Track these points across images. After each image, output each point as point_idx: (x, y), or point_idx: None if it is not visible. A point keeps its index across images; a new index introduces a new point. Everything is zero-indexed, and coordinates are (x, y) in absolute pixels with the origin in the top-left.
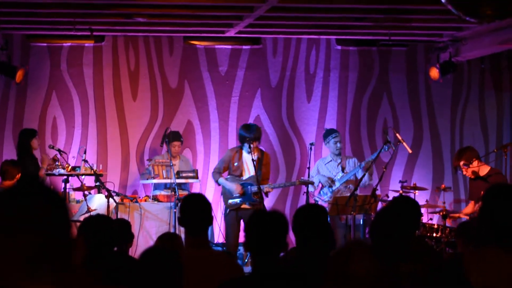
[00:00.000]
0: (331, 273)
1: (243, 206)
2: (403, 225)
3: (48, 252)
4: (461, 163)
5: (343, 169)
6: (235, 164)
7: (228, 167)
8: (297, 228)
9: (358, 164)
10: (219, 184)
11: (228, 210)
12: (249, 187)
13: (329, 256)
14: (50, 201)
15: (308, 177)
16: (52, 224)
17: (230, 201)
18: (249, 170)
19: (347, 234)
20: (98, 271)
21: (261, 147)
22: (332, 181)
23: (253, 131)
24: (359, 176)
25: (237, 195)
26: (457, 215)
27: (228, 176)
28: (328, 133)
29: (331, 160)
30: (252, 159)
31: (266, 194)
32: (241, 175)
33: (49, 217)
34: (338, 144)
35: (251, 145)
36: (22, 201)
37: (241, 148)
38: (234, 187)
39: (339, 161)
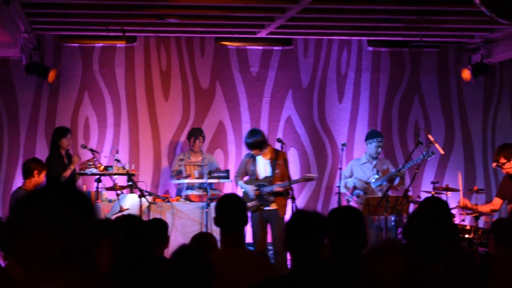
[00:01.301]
0: (363, 273)
1: (265, 207)
2: (435, 225)
3: (73, 254)
4: (500, 160)
5: (378, 172)
6: (251, 168)
7: (245, 172)
8: (332, 229)
9: (393, 168)
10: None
11: (251, 213)
12: (262, 188)
13: (361, 255)
14: (75, 202)
15: (340, 177)
16: (77, 226)
17: (248, 203)
18: (266, 171)
19: (379, 235)
20: (125, 275)
21: (276, 147)
22: (367, 184)
23: (247, 139)
24: (396, 180)
25: (253, 197)
26: (475, 207)
27: (247, 179)
28: (373, 135)
29: (366, 162)
30: (273, 159)
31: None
32: (257, 178)
33: (75, 218)
34: (379, 149)
35: (253, 153)
36: (48, 202)
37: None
38: (250, 189)
39: (374, 163)
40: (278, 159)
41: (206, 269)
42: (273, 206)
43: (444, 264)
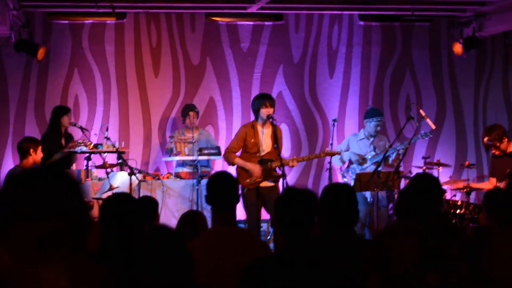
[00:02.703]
0: (372, 256)
1: (263, 184)
2: (426, 201)
3: (62, 237)
4: (488, 139)
5: (375, 149)
6: (251, 140)
7: (242, 145)
8: (324, 207)
9: (391, 146)
10: (233, 165)
11: (245, 189)
12: (269, 163)
13: (355, 233)
14: (63, 185)
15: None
16: (65, 209)
17: (247, 180)
18: (266, 146)
19: (371, 211)
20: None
21: (275, 123)
22: (363, 159)
23: (266, 95)
24: (391, 156)
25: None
26: (478, 185)
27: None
28: (373, 114)
29: (363, 138)
30: (274, 132)
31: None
32: (257, 151)
33: (63, 201)
34: (378, 128)
35: (268, 110)
36: (35, 185)
37: (254, 123)
38: (255, 170)
39: (371, 140)
40: (278, 133)
41: (182, 255)
42: (272, 183)
43: (437, 240)
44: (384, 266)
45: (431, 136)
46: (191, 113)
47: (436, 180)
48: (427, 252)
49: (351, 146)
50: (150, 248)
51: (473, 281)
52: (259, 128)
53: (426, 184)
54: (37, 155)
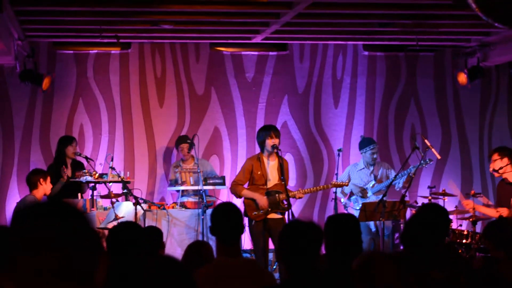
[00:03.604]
0: (356, 281)
1: (271, 216)
2: (432, 232)
3: (70, 269)
4: (493, 157)
5: (375, 178)
6: (258, 172)
7: (249, 177)
8: (328, 237)
9: (392, 174)
10: (240, 197)
11: (253, 222)
12: (276, 195)
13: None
14: (71, 218)
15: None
16: (73, 241)
17: (255, 212)
18: (273, 178)
19: (376, 240)
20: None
21: (280, 154)
22: (363, 190)
23: (272, 127)
24: (397, 185)
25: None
26: (483, 209)
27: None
28: (366, 143)
29: (363, 168)
30: (280, 164)
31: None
32: (264, 183)
33: (71, 234)
34: (375, 155)
35: (273, 141)
36: (44, 218)
37: (260, 155)
38: (262, 201)
39: (371, 169)
40: (285, 165)
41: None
42: (279, 215)
43: (443, 270)
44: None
45: (430, 163)
46: (182, 146)
47: (444, 211)
48: (407, 276)
49: (352, 177)
50: (155, 279)
51: None
52: (265, 160)
53: (435, 215)
54: (46, 186)
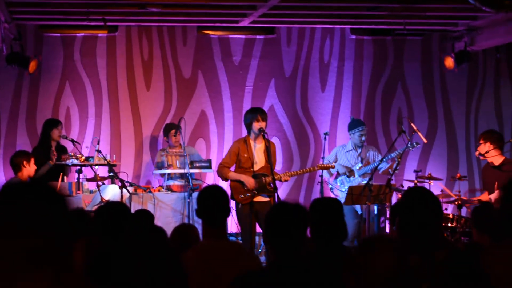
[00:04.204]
0: (351, 266)
1: (257, 199)
2: (433, 214)
3: (48, 253)
4: (480, 141)
5: (362, 160)
6: (245, 155)
7: (236, 160)
8: (313, 220)
9: (379, 158)
10: (227, 180)
11: (240, 205)
12: (263, 178)
13: (344, 247)
14: (49, 202)
15: (323, 162)
16: (51, 226)
17: (241, 195)
18: (260, 161)
19: (362, 224)
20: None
21: (266, 137)
22: (350, 171)
23: (258, 109)
24: (382, 168)
25: (249, 188)
26: (474, 199)
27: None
28: (355, 124)
29: (351, 150)
30: (266, 147)
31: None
32: (251, 166)
33: (49, 218)
34: (363, 138)
35: (260, 124)
36: (21, 202)
37: (247, 138)
38: (249, 181)
39: (359, 151)
40: (272, 148)
41: (175, 268)
42: (266, 198)
43: (445, 250)
44: (363, 280)
45: (417, 146)
46: (172, 132)
47: (436, 199)
48: (410, 267)
49: (339, 158)
50: (142, 261)
51: None
52: (251, 142)
53: (426, 197)
54: (30, 167)
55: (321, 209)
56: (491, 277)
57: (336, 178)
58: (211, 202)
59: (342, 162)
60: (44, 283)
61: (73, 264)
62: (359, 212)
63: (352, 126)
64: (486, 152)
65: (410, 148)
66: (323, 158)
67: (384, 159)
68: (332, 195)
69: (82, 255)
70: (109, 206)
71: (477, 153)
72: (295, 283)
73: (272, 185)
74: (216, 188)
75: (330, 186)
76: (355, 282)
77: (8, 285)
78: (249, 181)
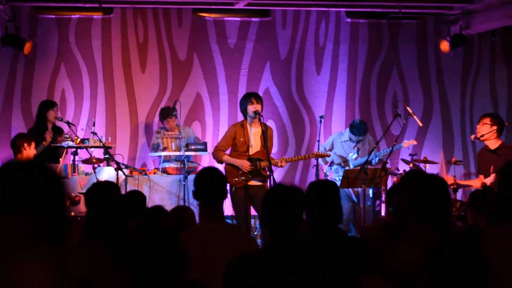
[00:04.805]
0: (373, 261)
1: (252, 182)
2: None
3: (43, 232)
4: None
5: (358, 151)
6: (241, 139)
7: (232, 144)
8: (309, 203)
9: (375, 149)
10: (222, 163)
11: (233, 188)
12: (258, 162)
13: (339, 230)
14: (45, 180)
15: (318, 149)
16: (47, 204)
17: (235, 179)
18: (255, 145)
19: (357, 206)
20: (98, 248)
21: (262, 121)
22: (345, 161)
23: (253, 93)
24: (374, 160)
25: (243, 172)
26: (469, 182)
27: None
28: (358, 132)
29: (347, 140)
30: (262, 131)
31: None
32: (246, 150)
33: (45, 196)
34: (359, 144)
35: (254, 106)
36: (18, 180)
37: (244, 122)
38: (244, 164)
39: (355, 143)
40: (268, 132)
41: (177, 246)
42: (260, 182)
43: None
44: (388, 268)
45: (413, 144)
46: (168, 119)
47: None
48: (433, 257)
49: (335, 146)
50: (146, 241)
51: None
52: (248, 127)
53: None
54: (30, 150)
55: (317, 191)
56: (490, 259)
57: (330, 165)
58: (208, 184)
59: (338, 151)
60: (40, 262)
61: (69, 244)
62: (353, 196)
63: (354, 131)
64: (486, 134)
65: (406, 146)
66: (318, 141)
67: (378, 154)
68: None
69: (79, 236)
70: (99, 186)
71: (472, 136)
72: (291, 266)
73: (267, 169)
74: (213, 170)
75: (325, 172)
76: (377, 267)
77: (3, 263)
78: (244, 164)
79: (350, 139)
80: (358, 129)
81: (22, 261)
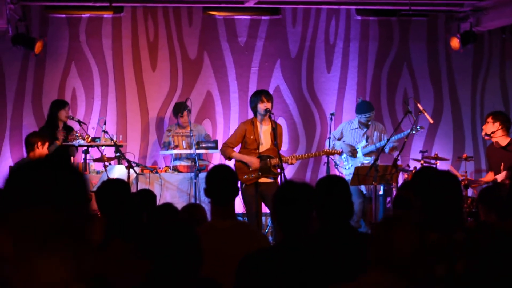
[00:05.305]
0: (373, 249)
1: (263, 180)
2: (455, 194)
3: (63, 227)
4: (488, 120)
5: (367, 139)
6: (251, 137)
7: (241, 142)
8: (319, 199)
9: (385, 139)
10: (230, 159)
11: (244, 185)
12: (268, 159)
13: (350, 226)
14: (68, 175)
15: (329, 144)
16: (69, 199)
17: (246, 176)
18: (266, 142)
19: (367, 204)
20: (113, 247)
21: (272, 117)
22: (354, 150)
23: (263, 91)
24: (387, 148)
25: (253, 169)
26: (481, 180)
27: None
28: (362, 110)
29: (357, 128)
30: (273, 128)
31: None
32: (256, 147)
33: (66, 192)
34: (369, 122)
35: (265, 105)
36: (40, 175)
37: (254, 119)
38: (252, 160)
39: (365, 130)
40: (278, 130)
41: (194, 243)
42: (271, 179)
43: (464, 231)
44: (386, 259)
45: (421, 130)
46: (181, 114)
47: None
48: (429, 244)
49: (345, 134)
50: (162, 237)
51: (478, 273)
52: (258, 124)
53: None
54: (43, 150)
55: (327, 188)
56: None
57: (340, 154)
58: (219, 182)
59: (347, 139)
60: (62, 258)
61: (90, 239)
62: (365, 192)
63: (359, 110)
64: (493, 132)
65: (414, 132)
66: (329, 138)
67: (390, 140)
68: (337, 173)
69: (100, 231)
70: (109, 184)
71: (483, 133)
72: (302, 262)
73: (277, 167)
74: (224, 167)
75: (335, 161)
76: (376, 258)
77: (24, 260)
78: (253, 161)
79: (359, 126)
80: (362, 106)
81: (38, 256)
